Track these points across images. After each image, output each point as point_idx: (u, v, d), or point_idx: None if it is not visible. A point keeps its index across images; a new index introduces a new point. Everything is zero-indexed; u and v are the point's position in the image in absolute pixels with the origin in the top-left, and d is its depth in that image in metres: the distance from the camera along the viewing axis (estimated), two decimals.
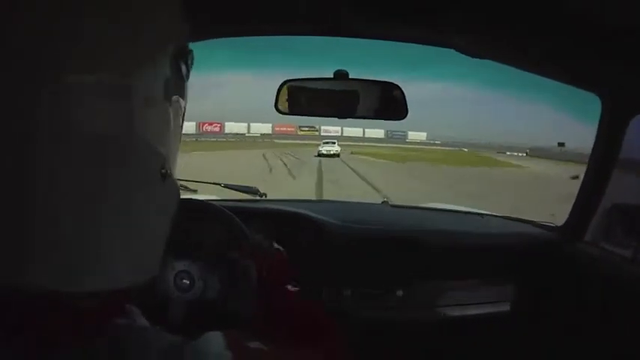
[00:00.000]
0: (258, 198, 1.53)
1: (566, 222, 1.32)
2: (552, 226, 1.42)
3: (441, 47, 1.06)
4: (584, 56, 0.92)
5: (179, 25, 0.36)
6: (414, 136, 64.36)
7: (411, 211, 1.68)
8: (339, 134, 54.59)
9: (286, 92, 1.10)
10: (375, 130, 62.84)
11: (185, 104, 0.39)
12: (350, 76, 1.09)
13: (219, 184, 1.52)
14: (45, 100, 0.27)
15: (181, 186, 1.48)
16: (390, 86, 1.10)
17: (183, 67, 0.36)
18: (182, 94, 0.37)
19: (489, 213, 1.64)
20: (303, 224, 1.29)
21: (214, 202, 1.04)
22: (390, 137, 61.14)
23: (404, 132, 64.25)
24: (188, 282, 0.77)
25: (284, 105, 1.10)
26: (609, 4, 0.70)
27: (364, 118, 1.15)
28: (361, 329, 1.33)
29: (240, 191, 1.48)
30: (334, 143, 25.30)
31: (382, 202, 1.89)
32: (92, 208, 0.30)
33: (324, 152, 22.80)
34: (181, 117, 0.39)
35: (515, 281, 1.36)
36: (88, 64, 0.29)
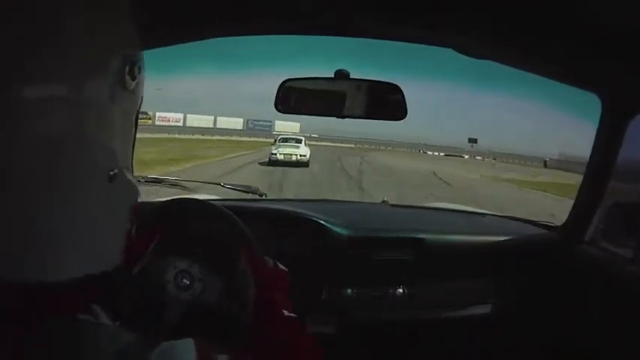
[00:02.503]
0: (258, 197, 1.54)
1: (566, 222, 1.32)
2: (552, 226, 1.42)
3: (441, 47, 1.06)
4: (584, 56, 0.92)
5: (130, 32, 0.37)
6: (283, 127, 47.65)
7: (411, 211, 1.68)
8: (181, 124, 43.12)
9: (287, 91, 1.10)
10: (231, 119, 46.75)
11: (138, 107, 0.40)
12: (351, 76, 1.09)
13: (219, 184, 1.53)
14: None
15: (181, 186, 1.49)
16: (390, 87, 1.11)
17: (132, 71, 0.37)
18: (132, 98, 0.38)
19: (489, 213, 1.64)
20: (303, 224, 1.29)
21: (215, 202, 1.04)
22: (250, 128, 46.35)
23: (269, 121, 48.92)
24: (188, 282, 0.77)
25: (284, 104, 1.11)
26: (609, 4, 0.70)
27: (364, 118, 1.15)
28: (361, 329, 1.33)
29: (240, 191, 1.48)
30: (300, 143, 15.74)
31: (382, 202, 1.90)
32: (40, 206, 0.31)
33: (281, 158, 14.09)
34: (133, 119, 0.40)
35: (515, 281, 1.36)
36: (35, 70, 0.30)
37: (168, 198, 0.88)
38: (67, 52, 0.31)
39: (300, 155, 14.48)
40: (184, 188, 1.48)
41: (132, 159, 0.44)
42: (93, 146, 0.34)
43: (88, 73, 0.33)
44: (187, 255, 0.79)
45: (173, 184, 1.42)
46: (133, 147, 0.44)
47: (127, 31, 0.36)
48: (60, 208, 0.32)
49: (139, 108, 0.41)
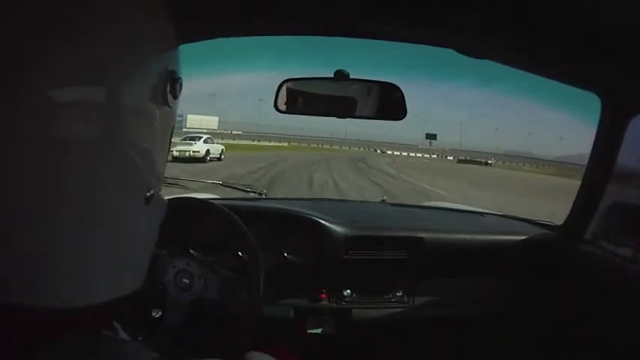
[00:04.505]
0: (257, 197, 1.54)
1: (566, 221, 1.32)
2: (552, 226, 1.42)
3: (441, 47, 1.06)
4: (584, 56, 0.92)
5: (167, 42, 0.35)
6: (198, 121, 41.01)
7: (411, 210, 1.68)
8: None
9: (286, 91, 1.10)
10: None
11: (172, 126, 0.39)
12: (350, 77, 1.09)
13: (219, 183, 1.53)
14: (26, 115, 0.26)
15: (181, 185, 1.49)
16: (390, 87, 1.11)
17: (173, 88, 0.35)
18: (170, 116, 0.37)
19: (489, 212, 1.64)
20: (303, 223, 1.29)
21: (215, 201, 1.04)
22: None
23: (180, 116, 39.16)
24: (188, 281, 0.77)
25: (283, 104, 1.11)
26: (609, 4, 0.70)
27: (363, 118, 1.15)
28: (361, 329, 1.33)
29: (240, 190, 1.49)
30: (198, 140, 16.33)
31: (382, 201, 1.90)
32: (71, 228, 0.29)
33: (176, 155, 14.17)
34: (168, 139, 0.39)
35: (515, 280, 1.36)
36: (66, 73, 0.28)
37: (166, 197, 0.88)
38: (101, 55, 0.29)
39: (193, 151, 15.18)
40: (184, 187, 1.48)
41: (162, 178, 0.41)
42: (132, 164, 0.32)
43: (125, 79, 0.30)
44: (185, 254, 0.79)
45: (172, 184, 1.42)
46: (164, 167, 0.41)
47: (159, 32, 0.34)
48: (93, 231, 0.30)
49: (173, 128, 0.39)
